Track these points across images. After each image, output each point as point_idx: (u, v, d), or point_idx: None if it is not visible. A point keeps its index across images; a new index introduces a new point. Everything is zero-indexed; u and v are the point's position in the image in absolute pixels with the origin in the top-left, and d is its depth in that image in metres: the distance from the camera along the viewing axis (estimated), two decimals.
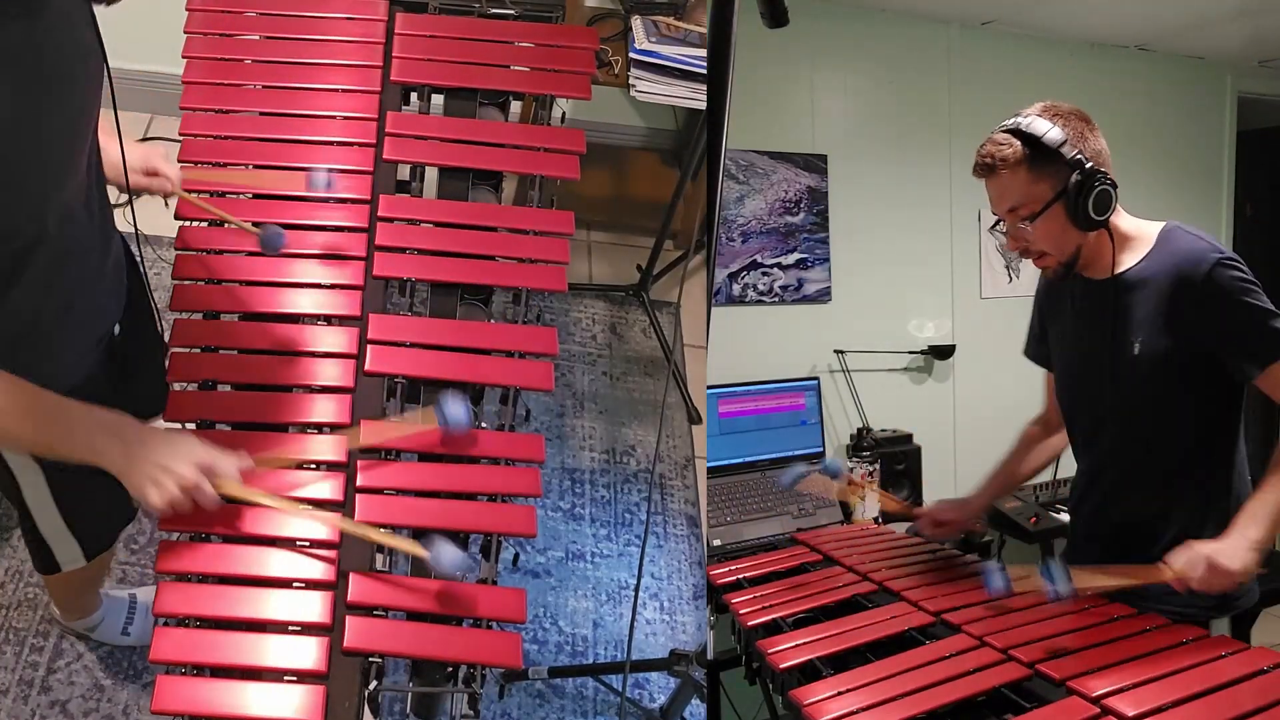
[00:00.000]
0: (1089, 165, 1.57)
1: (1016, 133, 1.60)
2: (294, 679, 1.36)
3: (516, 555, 2.53)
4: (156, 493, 1.37)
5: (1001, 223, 1.67)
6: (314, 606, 1.42)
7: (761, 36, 1.33)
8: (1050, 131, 1.57)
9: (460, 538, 1.56)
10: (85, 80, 1.36)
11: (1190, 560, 1.48)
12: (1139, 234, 1.66)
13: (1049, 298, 1.86)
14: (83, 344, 1.57)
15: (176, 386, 1.61)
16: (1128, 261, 1.65)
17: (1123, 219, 1.66)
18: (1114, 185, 1.59)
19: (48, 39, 1.24)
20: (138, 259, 1.73)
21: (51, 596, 2.26)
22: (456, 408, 1.54)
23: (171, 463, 1.37)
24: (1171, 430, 1.67)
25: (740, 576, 1.90)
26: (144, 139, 1.74)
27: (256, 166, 1.84)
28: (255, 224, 1.73)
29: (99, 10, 1.36)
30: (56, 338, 1.50)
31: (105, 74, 1.41)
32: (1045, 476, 3.07)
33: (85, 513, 1.74)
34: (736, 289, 2.83)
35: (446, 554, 1.39)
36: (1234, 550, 1.47)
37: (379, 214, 1.81)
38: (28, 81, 1.21)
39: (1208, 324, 1.56)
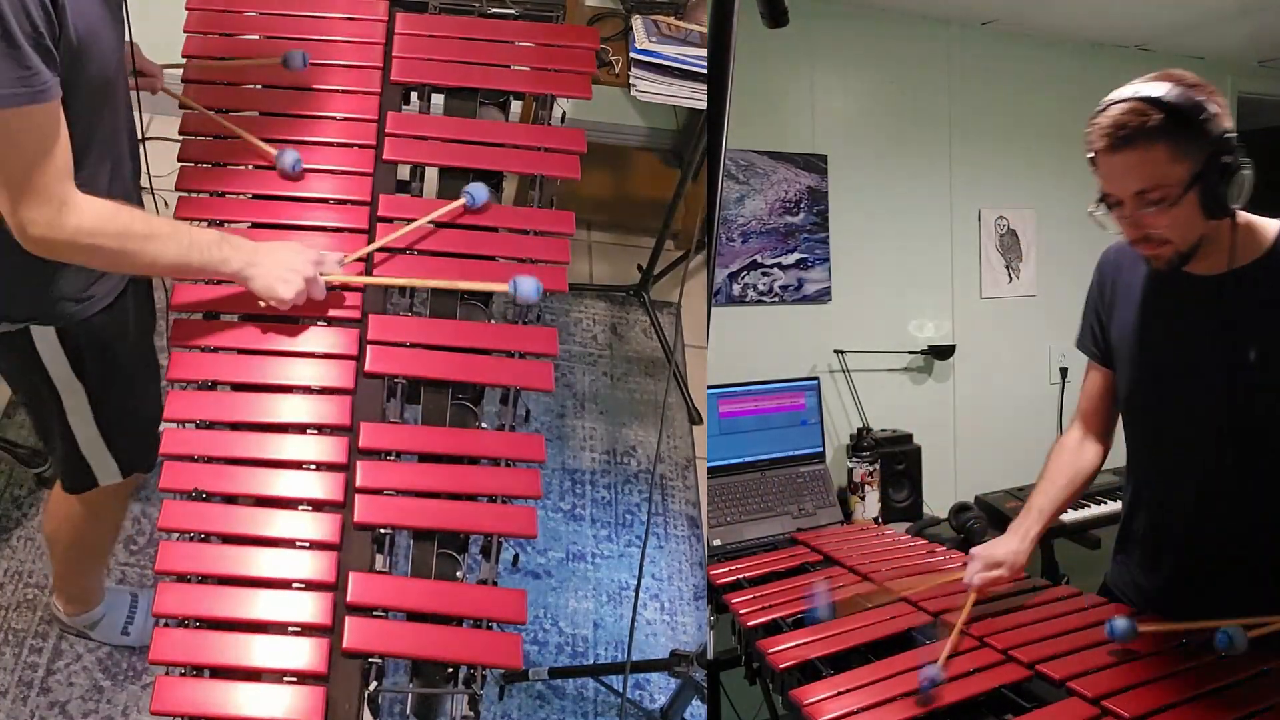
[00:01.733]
0: (1234, 144, 1.36)
1: (1155, 102, 1.36)
2: (294, 680, 1.36)
3: (517, 556, 2.52)
4: (286, 288, 1.60)
5: (1105, 205, 1.45)
6: (314, 607, 1.42)
7: (761, 36, 1.33)
8: (1194, 104, 1.35)
9: (460, 539, 1.56)
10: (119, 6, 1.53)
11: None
12: (1256, 228, 1.46)
13: (1116, 289, 1.65)
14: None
15: (176, 387, 1.61)
16: (1245, 257, 1.45)
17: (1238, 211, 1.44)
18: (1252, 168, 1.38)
19: None
20: None
21: (58, 578, 2.24)
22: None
23: (294, 263, 1.61)
24: None
25: (740, 576, 1.91)
26: (142, 139, 1.76)
27: (256, 167, 1.83)
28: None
29: None
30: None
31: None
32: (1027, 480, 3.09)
33: (121, 429, 1.85)
34: (736, 289, 2.83)
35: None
36: None
37: (379, 214, 1.81)
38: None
39: None
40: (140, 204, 1.72)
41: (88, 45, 1.42)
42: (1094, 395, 1.75)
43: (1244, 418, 1.45)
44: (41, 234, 1.42)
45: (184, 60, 1.94)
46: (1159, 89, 1.37)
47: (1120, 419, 1.71)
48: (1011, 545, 1.66)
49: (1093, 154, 1.42)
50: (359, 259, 1.73)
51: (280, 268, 1.60)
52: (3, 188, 1.39)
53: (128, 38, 1.61)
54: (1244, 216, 1.44)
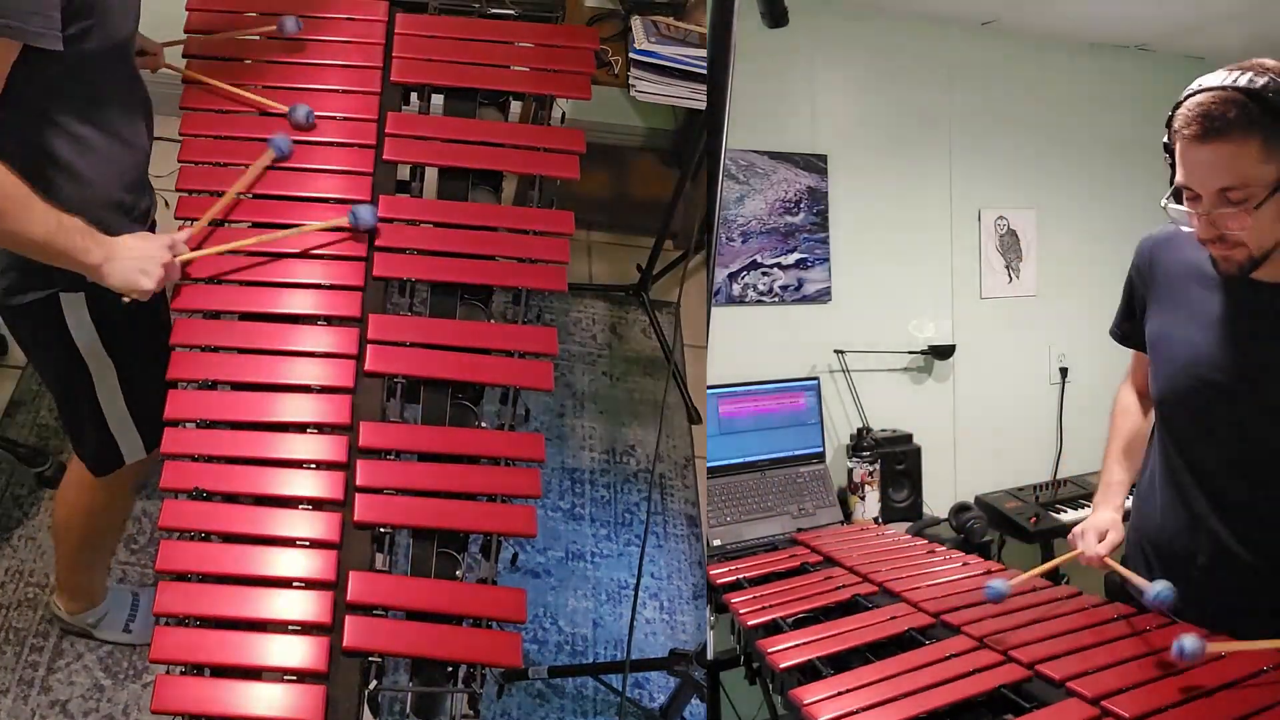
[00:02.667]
0: None
1: (1251, 94, 1.27)
2: (294, 679, 1.37)
3: (516, 555, 2.52)
4: (147, 279, 1.60)
5: (1180, 199, 1.36)
6: (314, 606, 1.42)
7: (761, 36, 1.33)
8: None
9: (460, 538, 1.56)
10: None
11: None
12: None
13: (1156, 283, 1.59)
14: (135, 224, 1.72)
15: (176, 387, 1.61)
16: None
17: None
18: None
19: None
20: None
21: (63, 573, 2.24)
22: None
23: (148, 251, 1.61)
24: None
25: (740, 576, 1.91)
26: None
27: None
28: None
29: None
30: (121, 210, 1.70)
31: None
32: (1045, 476, 3.09)
33: (147, 402, 1.83)
34: (736, 289, 2.83)
35: None
36: None
37: (379, 214, 1.81)
38: None
39: None
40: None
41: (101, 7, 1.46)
42: (1143, 369, 1.71)
43: None
44: None
45: (182, 64, 1.95)
46: (1261, 78, 1.28)
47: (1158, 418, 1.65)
48: (1109, 515, 1.66)
49: (1170, 143, 1.34)
50: (202, 230, 1.73)
51: (136, 259, 1.59)
52: None
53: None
54: None
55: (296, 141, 1.87)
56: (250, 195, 1.81)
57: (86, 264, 1.57)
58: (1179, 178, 1.36)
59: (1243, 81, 1.28)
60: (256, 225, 1.76)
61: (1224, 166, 1.30)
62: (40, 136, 1.57)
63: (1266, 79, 1.28)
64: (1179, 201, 1.38)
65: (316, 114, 1.90)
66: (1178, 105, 1.35)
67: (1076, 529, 1.68)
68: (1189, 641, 1.35)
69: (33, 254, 1.56)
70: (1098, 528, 1.64)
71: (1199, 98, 1.31)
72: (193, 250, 1.68)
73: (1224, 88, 1.29)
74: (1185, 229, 1.39)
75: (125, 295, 1.61)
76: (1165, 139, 1.40)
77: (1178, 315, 1.54)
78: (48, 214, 1.50)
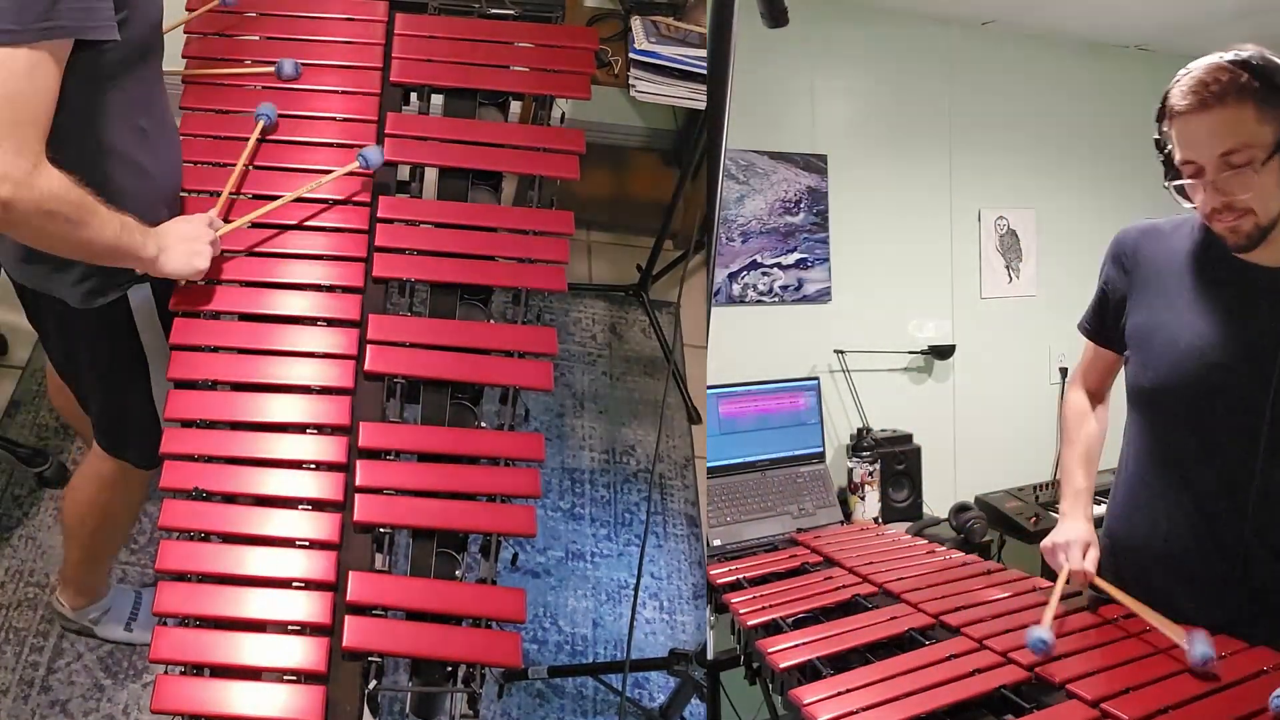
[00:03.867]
0: None
1: (1244, 64, 1.37)
2: (294, 679, 1.37)
3: (516, 555, 2.52)
4: (201, 259, 1.63)
5: (1186, 174, 1.42)
6: (314, 606, 1.42)
7: (761, 36, 1.33)
8: None
9: (459, 538, 1.56)
10: None
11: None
12: None
13: (1142, 274, 1.61)
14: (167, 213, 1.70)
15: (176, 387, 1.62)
16: None
17: None
18: None
19: None
20: None
21: (71, 567, 2.23)
22: None
23: (194, 233, 1.63)
24: None
25: (740, 576, 1.90)
26: None
27: (256, 167, 1.83)
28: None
29: None
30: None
31: None
32: (1045, 476, 3.09)
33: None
34: (736, 289, 2.83)
35: None
36: None
37: (378, 215, 1.81)
38: None
39: None
40: None
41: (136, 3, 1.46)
42: (1099, 367, 1.76)
43: None
44: (10, 193, 1.32)
45: (183, 65, 1.95)
46: (1245, 51, 1.37)
47: (1134, 401, 1.64)
48: (1085, 525, 1.64)
49: (1162, 135, 1.41)
50: (226, 202, 1.75)
51: (186, 243, 1.61)
52: None
53: None
54: None
55: (297, 142, 1.87)
56: (251, 196, 1.81)
57: (144, 258, 1.57)
58: (1179, 156, 1.42)
59: (1231, 55, 1.38)
60: (257, 226, 1.76)
61: (1223, 131, 1.36)
62: (103, 134, 1.55)
63: (1254, 50, 1.38)
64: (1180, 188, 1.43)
65: (316, 114, 1.90)
66: (1167, 94, 1.43)
67: (1050, 542, 1.65)
68: (1205, 647, 1.36)
69: (99, 259, 1.56)
70: (1081, 541, 1.62)
71: (1194, 72, 1.39)
72: (225, 222, 1.71)
73: (1215, 62, 1.38)
74: (1187, 205, 1.44)
75: (182, 279, 1.63)
76: (1156, 135, 1.46)
77: (1172, 304, 1.55)
78: (111, 217, 1.49)
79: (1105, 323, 1.69)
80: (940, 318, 3.14)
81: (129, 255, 1.55)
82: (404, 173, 1.91)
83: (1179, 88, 1.40)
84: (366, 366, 1.65)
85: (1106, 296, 1.68)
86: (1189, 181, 1.42)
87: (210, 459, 1.53)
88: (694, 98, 2.68)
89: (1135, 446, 1.66)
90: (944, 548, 2.09)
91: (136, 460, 1.96)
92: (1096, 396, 1.80)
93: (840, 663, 1.49)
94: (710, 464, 2.63)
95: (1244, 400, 1.46)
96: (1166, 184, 1.44)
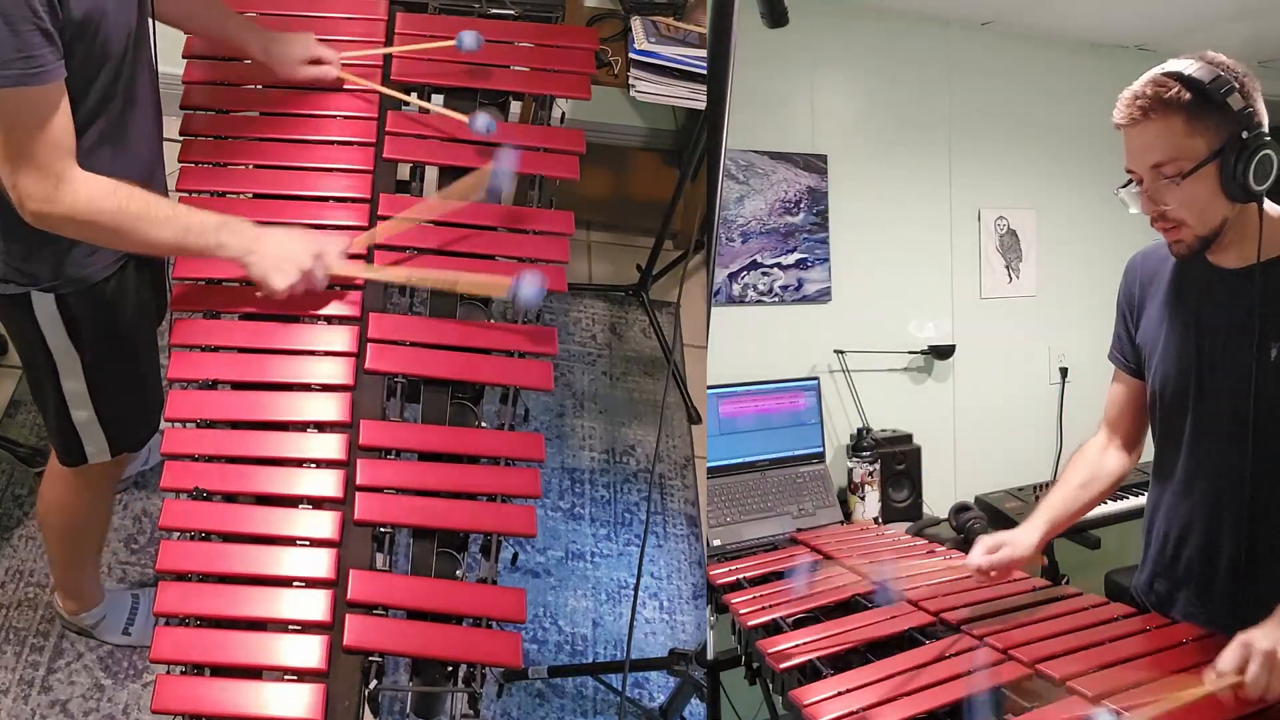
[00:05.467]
0: (1256, 122, 1.36)
1: (1176, 76, 1.37)
2: (294, 678, 1.37)
3: (516, 555, 2.52)
4: (280, 278, 1.60)
5: (1131, 185, 1.45)
6: (314, 605, 1.42)
7: (761, 36, 1.33)
8: (1217, 78, 1.35)
9: (460, 537, 1.56)
10: None
11: (1250, 657, 1.24)
12: None
13: (1145, 292, 1.62)
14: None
15: (176, 387, 1.61)
16: (1271, 251, 1.42)
17: (1267, 203, 1.42)
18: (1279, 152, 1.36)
19: None
20: None
21: (55, 570, 2.23)
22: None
23: (291, 252, 1.61)
24: None
25: (740, 576, 1.91)
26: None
27: (257, 167, 1.84)
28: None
29: None
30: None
31: None
32: (1045, 476, 3.09)
33: (115, 408, 1.86)
34: (736, 289, 2.83)
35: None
36: None
37: (379, 212, 1.81)
38: None
39: None
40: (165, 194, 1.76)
41: (87, 26, 1.44)
42: (1119, 403, 1.72)
43: (1262, 417, 1.42)
44: (38, 208, 1.46)
45: (183, 61, 1.95)
46: (1180, 64, 1.38)
47: (1149, 422, 1.66)
48: (1015, 532, 1.66)
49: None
50: (360, 252, 1.73)
51: (277, 257, 1.61)
52: (3, 161, 1.43)
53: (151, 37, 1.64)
54: (1276, 210, 1.43)
55: (297, 140, 1.87)
56: (250, 195, 1.81)
57: (224, 258, 1.60)
58: (1125, 162, 1.46)
59: (1169, 67, 1.39)
60: (258, 225, 1.75)
61: (1154, 144, 1.40)
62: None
63: (1190, 63, 1.38)
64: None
65: (316, 112, 1.91)
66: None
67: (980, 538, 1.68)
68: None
69: (173, 255, 1.64)
70: (992, 541, 1.64)
71: (1134, 85, 1.41)
72: (347, 258, 1.68)
73: (1154, 75, 1.40)
74: (1133, 211, 1.47)
75: (258, 290, 1.63)
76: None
77: (1161, 316, 1.58)
78: (169, 220, 1.55)
79: (1123, 348, 1.69)
80: (940, 318, 3.14)
81: (205, 255, 1.61)
82: (404, 172, 1.92)
83: (1120, 101, 1.42)
84: (367, 365, 1.65)
85: (1124, 321, 1.68)
86: (1132, 190, 1.45)
87: (210, 459, 1.53)
88: (694, 98, 2.68)
89: (1153, 465, 1.66)
90: (944, 548, 2.09)
91: (58, 455, 1.95)
92: (1115, 434, 1.73)
93: (840, 662, 1.49)
94: (710, 464, 2.63)
95: (1222, 404, 1.48)
96: (1116, 191, 1.47)
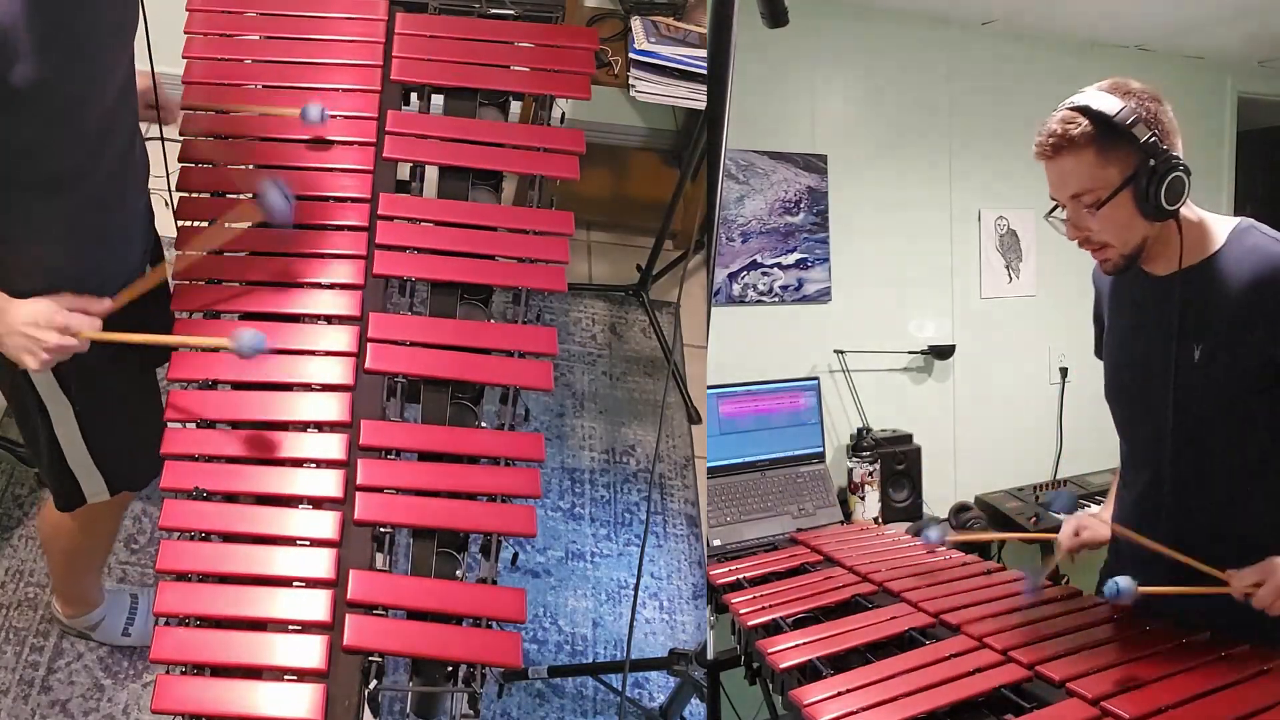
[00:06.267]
0: (1163, 149, 1.42)
1: (1084, 110, 1.44)
2: (294, 678, 1.37)
3: (516, 555, 2.52)
4: (32, 359, 1.51)
5: (1059, 209, 1.52)
6: (314, 605, 1.42)
7: (761, 36, 1.33)
8: (1122, 110, 1.42)
9: (460, 537, 1.56)
10: (109, 4, 1.43)
11: (1267, 576, 1.37)
12: (1209, 229, 1.51)
13: (1109, 294, 1.71)
14: (108, 287, 1.63)
15: (176, 387, 1.61)
16: (1194, 257, 1.49)
17: (1191, 210, 1.50)
18: (1188, 172, 1.43)
19: None
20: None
21: (55, 581, 2.24)
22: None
23: (34, 330, 1.50)
24: (1239, 442, 1.50)
25: (740, 576, 1.91)
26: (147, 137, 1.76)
27: (256, 166, 1.83)
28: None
29: None
30: (81, 281, 1.58)
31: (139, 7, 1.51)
32: (1045, 476, 3.09)
33: (111, 449, 1.81)
34: (736, 289, 2.83)
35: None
36: None
37: (379, 212, 1.81)
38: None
39: None
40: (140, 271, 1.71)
41: (33, 98, 1.32)
42: None
43: (1185, 415, 1.50)
44: None
45: (183, 61, 1.94)
46: (1086, 97, 1.45)
47: None
48: (1093, 516, 1.74)
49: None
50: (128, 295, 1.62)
51: (21, 333, 1.50)
52: None
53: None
54: (1199, 217, 1.51)
55: (298, 140, 1.87)
56: (251, 195, 1.80)
57: None
58: (1049, 193, 1.53)
59: (1077, 100, 1.46)
60: (259, 225, 1.72)
61: (1069, 176, 1.47)
62: None
63: (1095, 94, 1.45)
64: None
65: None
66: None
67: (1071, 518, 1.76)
68: (1123, 582, 1.42)
69: None
70: (1076, 522, 1.74)
71: (1049, 120, 1.47)
72: (101, 326, 1.56)
73: (1066, 108, 1.47)
74: (1062, 234, 1.54)
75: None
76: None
77: (1112, 319, 1.68)
78: None
79: (1099, 345, 1.78)
80: (940, 318, 3.14)
81: None
82: (404, 172, 1.91)
83: (1036, 134, 1.48)
84: (367, 364, 1.65)
85: (1097, 324, 1.76)
86: (1058, 215, 1.53)
87: (210, 459, 1.53)
88: (694, 98, 2.68)
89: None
90: (944, 547, 2.09)
91: (55, 500, 1.90)
92: None
93: (840, 663, 1.49)
94: (710, 464, 2.63)
95: (1151, 402, 1.55)
96: (1045, 216, 1.54)
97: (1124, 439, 1.69)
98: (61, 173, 1.47)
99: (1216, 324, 1.46)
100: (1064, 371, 3.25)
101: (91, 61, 1.42)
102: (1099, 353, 1.77)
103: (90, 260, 1.61)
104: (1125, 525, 1.66)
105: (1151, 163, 1.41)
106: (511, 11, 2.10)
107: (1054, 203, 1.52)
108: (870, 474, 2.68)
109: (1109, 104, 1.43)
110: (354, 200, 1.82)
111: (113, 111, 1.52)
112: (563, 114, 2.11)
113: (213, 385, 1.62)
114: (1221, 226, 1.51)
